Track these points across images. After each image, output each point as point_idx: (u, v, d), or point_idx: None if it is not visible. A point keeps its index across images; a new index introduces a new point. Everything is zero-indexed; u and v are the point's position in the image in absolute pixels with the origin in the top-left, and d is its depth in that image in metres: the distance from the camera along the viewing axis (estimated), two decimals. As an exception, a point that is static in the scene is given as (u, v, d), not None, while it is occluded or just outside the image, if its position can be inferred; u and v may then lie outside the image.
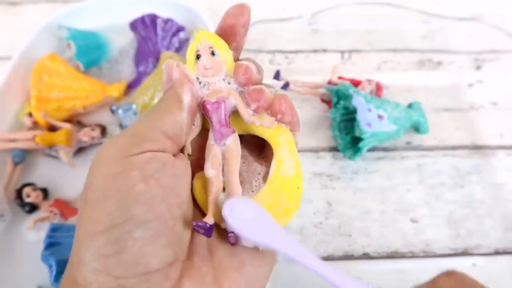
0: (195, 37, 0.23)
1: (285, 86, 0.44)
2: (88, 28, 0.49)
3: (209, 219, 0.20)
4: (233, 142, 0.22)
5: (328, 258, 0.39)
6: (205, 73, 0.22)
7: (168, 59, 0.23)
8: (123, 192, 0.18)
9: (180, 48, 0.49)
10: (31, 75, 0.44)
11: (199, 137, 0.23)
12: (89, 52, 0.47)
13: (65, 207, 0.40)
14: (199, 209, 0.22)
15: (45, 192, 0.41)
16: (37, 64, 0.44)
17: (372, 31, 0.52)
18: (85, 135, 0.43)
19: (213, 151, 0.22)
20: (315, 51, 0.52)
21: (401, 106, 0.44)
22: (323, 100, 0.47)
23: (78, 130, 0.43)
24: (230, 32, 0.22)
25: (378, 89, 0.46)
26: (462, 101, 0.48)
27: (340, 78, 0.46)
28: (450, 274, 0.26)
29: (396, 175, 0.43)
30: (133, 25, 0.49)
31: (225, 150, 0.22)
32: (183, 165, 0.20)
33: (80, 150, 0.44)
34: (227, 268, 0.20)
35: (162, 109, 0.21)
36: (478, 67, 0.51)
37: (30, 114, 0.44)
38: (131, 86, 0.47)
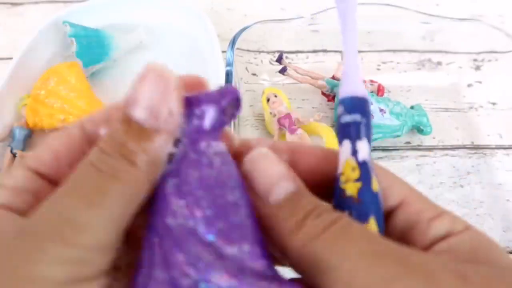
0: (264, 92, 0.45)
1: (282, 70, 0.45)
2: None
3: None
4: (301, 132, 0.41)
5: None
6: (273, 106, 0.43)
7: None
8: None
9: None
10: (35, 74, 0.44)
11: None
12: (90, 51, 0.47)
13: None
14: None
15: None
16: (53, 68, 0.44)
17: (372, 31, 0.52)
18: None
19: (292, 139, 0.40)
20: (315, 51, 0.52)
21: (402, 104, 0.44)
22: (323, 94, 0.47)
23: None
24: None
25: (379, 91, 0.46)
26: (461, 102, 0.49)
27: None
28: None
29: (395, 175, 0.44)
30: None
31: (299, 136, 0.40)
32: None
33: None
34: None
35: None
36: (477, 68, 0.51)
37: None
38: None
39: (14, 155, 0.42)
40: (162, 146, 0.14)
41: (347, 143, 0.16)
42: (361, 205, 0.15)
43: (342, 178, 0.16)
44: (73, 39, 0.46)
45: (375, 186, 0.16)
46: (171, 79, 0.14)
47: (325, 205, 0.15)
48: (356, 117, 0.16)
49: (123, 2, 0.51)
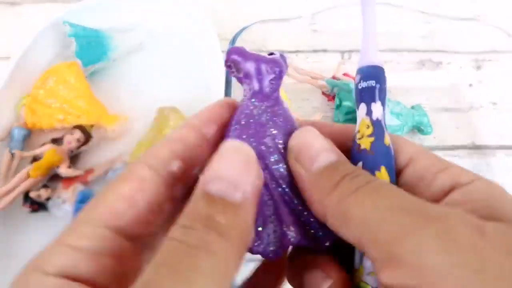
0: None
1: None
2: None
3: None
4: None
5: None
6: None
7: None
8: None
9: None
10: (34, 74, 0.44)
11: None
12: (90, 51, 0.47)
13: (78, 178, 0.40)
14: None
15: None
16: (52, 67, 0.44)
17: (372, 31, 0.52)
18: (70, 143, 0.41)
19: None
20: (315, 51, 0.52)
21: (402, 104, 0.44)
22: (323, 93, 0.47)
23: (59, 144, 0.41)
24: None
25: (379, 90, 0.46)
26: (462, 101, 0.49)
27: (345, 74, 0.47)
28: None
29: (396, 175, 0.44)
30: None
31: None
32: None
33: (74, 158, 0.42)
34: None
35: None
36: (478, 67, 0.51)
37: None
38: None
39: (12, 155, 0.42)
40: (247, 217, 0.14)
41: (363, 106, 0.18)
42: (373, 156, 0.17)
43: (358, 135, 0.18)
44: (73, 39, 0.46)
45: (387, 141, 0.17)
46: (249, 152, 0.15)
47: (363, 171, 0.16)
48: (371, 82, 0.18)
49: (123, 2, 0.50)
